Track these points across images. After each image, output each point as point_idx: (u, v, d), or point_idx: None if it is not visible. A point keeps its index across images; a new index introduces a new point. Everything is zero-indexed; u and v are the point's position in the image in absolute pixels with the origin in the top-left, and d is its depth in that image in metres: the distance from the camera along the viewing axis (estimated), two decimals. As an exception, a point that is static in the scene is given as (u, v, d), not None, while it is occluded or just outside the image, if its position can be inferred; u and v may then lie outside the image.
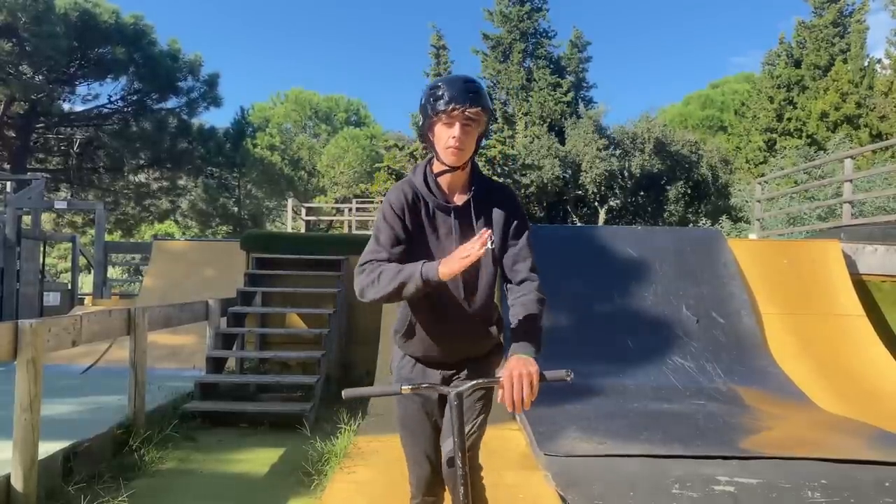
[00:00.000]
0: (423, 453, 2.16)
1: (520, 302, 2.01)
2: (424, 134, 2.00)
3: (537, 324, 1.97)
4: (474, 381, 1.93)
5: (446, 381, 2.10)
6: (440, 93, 1.90)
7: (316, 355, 6.24)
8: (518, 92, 26.93)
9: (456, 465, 1.89)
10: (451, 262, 1.79)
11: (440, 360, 2.13)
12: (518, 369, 1.79)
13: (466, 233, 1.98)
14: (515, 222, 2.07)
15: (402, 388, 1.87)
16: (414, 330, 2.10)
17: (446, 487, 2.18)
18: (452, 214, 2.01)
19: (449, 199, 2.03)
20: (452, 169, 1.98)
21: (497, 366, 2.20)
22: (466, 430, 1.95)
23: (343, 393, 1.88)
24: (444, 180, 2.02)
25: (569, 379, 1.83)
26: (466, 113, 1.88)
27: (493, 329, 2.14)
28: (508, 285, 2.07)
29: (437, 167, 2.02)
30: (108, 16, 20.43)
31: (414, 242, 2.00)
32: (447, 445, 2.12)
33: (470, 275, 1.99)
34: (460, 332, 2.07)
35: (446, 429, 2.13)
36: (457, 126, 1.90)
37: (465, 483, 1.88)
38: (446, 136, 1.91)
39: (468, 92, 1.89)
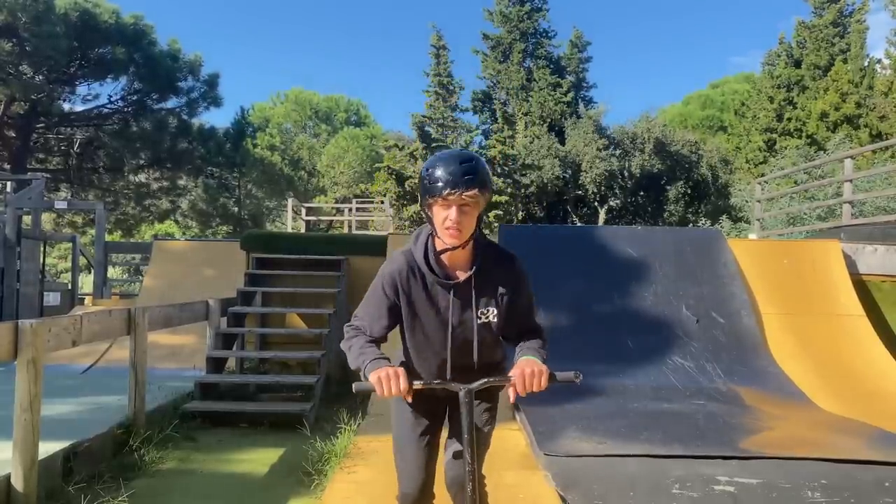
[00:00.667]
0: (413, 470, 2.16)
1: (526, 346, 2.05)
2: (423, 210, 1.97)
3: (543, 351, 2.02)
4: (485, 379, 1.95)
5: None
6: (437, 175, 1.85)
7: (316, 355, 6.24)
8: (518, 92, 26.92)
9: (465, 462, 1.90)
10: (377, 372, 1.82)
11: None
12: (529, 367, 1.87)
13: (466, 309, 2.00)
14: (520, 296, 2.05)
15: (414, 384, 1.88)
16: (413, 370, 2.11)
17: (450, 495, 2.18)
18: (452, 292, 1.99)
19: (450, 275, 2.00)
20: (454, 247, 1.94)
21: (502, 368, 2.21)
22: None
23: (353, 386, 1.90)
24: (445, 256, 1.99)
25: (577, 381, 1.88)
26: (463, 197, 1.83)
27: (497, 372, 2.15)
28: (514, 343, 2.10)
29: (439, 244, 1.97)
30: (108, 16, 20.44)
31: (413, 312, 2.02)
32: (450, 453, 2.13)
33: (470, 342, 2.03)
34: (462, 379, 2.06)
35: (452, 430, 2.15)
36: (454, 209, 1.85)
37: (472, 479, 1.89)
38: (443, 218, 1.88)
39: (464, 175, 1.83)
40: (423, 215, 1.97)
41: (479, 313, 2.00)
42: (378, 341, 2.02)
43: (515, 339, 2.07)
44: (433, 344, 2.05)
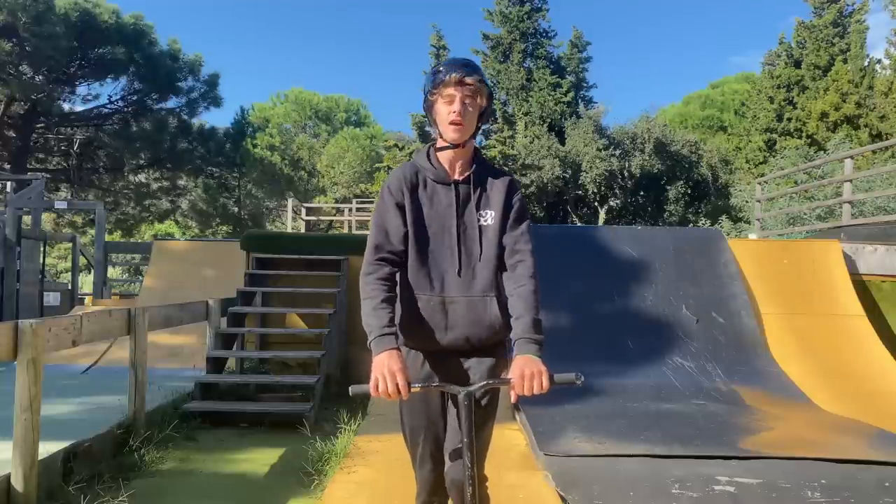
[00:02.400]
0: (428, 454, 2.14)
1: (517, 294, 2.02)
2: (428, 116, 2.10)
3: (536, 315, 1.98)
4: (485, 381, 1.94)
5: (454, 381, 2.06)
6: (440, 68, 2.02)
7: (316, 355, 6.24)
8: (518, 92, 26.92)
9: (464, 465, 1.88)
10: (375, 368, 1.83)
11: (443, 345, 2.07)
12: (529, 367, 1.85)
13: (465, 205, 2.07)
14: (516, 205, 2.11)
15: (413, 386, 1.86)
16: (415, 311, 2.06)
17: (450, 496, 2.17)
18: (452, 186, 2.07)
19: (450, 175, 2.09)
20: (454, 146, 2.04)
21: (503, 368, 2.18)
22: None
23: (350, 389, 1.87)
24: (445, 157, 2.08)
25: (578, 383, 1.86)
26: (465, 80, 1.96)
27: (495, 312, 2.07)
28: (505, 273, 2.08)
29: (439, 143, 2.09)
30: (108, 16, 20.44)
31: (417, 214, 2.06)
32: (451, 447, 2.11)
33: (470, 245, 2.05)
34: (456, 306, 2.04)
35: (451, 431, 2.12)
36: (457, 100, 1.98)
37: (472, 483, 1.87)
38: (446, 112, 1.99)
39: (465, 65, 2.00)
40: (428, 120, 2.11)
41: (478, 215, 2.06)
42: (398, 258, 2.03)
43: (508, 259, 2.06)
44: (435, 251, 2.04)
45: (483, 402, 2.08)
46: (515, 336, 1.96)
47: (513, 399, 1.92)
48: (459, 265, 2.04)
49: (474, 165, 2.10)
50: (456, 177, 2.09)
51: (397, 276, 2.05)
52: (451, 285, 2.04)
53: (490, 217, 2.07)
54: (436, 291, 2.04)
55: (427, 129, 22.15)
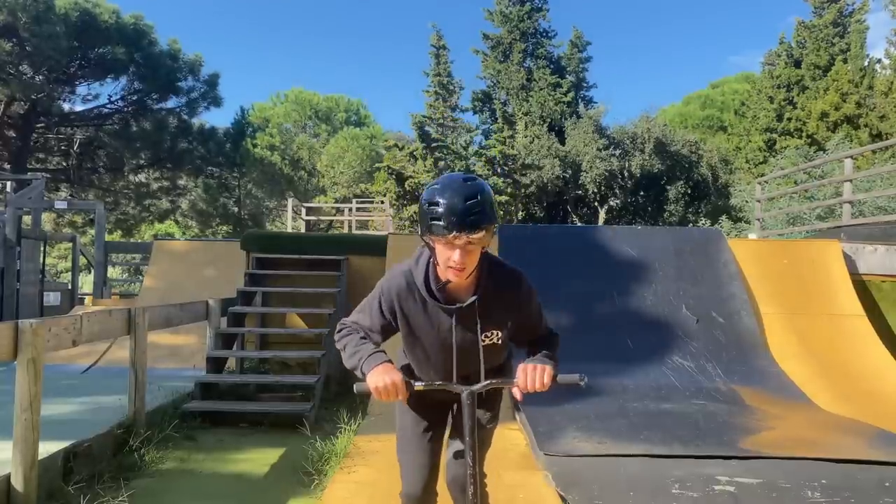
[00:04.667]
0: (416, 470, 2.15)
1: (536, 341, 2.05)
2: (423, 238, 1.84)
3: (552, 352, 2.00)
4: (489, 381, 1.95)
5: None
6: (439, 212, 1.71)
7: (316, 355, 6.24)
8: (518, 92, 26.91)
9: (466, 464, 1.89)
10: (374, 378, 1.80)
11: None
12: (533, 363, 1.88)
13: (469, 332, 1.95)
14: (526, 314, 2.02)
15: (416, 385, 1.88)
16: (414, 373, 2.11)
17: (450, 495, 2.18)
18: (454, 317, 1.93)
19: (452, 300, 1.92)
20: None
21: (508, 370, 2.21)
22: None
23: (354, 386, 1.88)
24: (448, 285, 1.92)
25: (582, 384, 1.87)
26: (469, 238, 1.72)
27: (503, 370, 2.14)
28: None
29: (441, 273, 1.87)
30: (108, 16, 20.43)
31: (412, 332, 1.99)
32: (451, 453, 2.12)
33: (474, 361, 1.98)
34: (465, 383, 2.03)
35: (455, 430, 2.15)
36: (457, 252, 1.75)
37: (474, 482, 1.88)
38: (446, 257, 1.78)
39: (469, 214, 1.69)
40: (424, 243, 1.86)
41: (483, 336, 1.95)
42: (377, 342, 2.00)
43: (527, 346, 2.06)
44: (434, 362, 2.03)
45: (485, 402, 2.10)
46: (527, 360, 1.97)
47: (518, 397, 1.91)
48: (465, 373, 2.00)
49: (480, 285, 1.91)
50: (460, 300, 1.92)
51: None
52: (456, 380, 2.02)
53: (496, 337, 1.97)
54: (440, 382, 2.03)
55: (427, 128, 22.16)
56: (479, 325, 1.93)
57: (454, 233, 1.69)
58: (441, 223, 1.70)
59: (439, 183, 1.79)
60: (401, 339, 2.10)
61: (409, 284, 1.94)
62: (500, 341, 1.98)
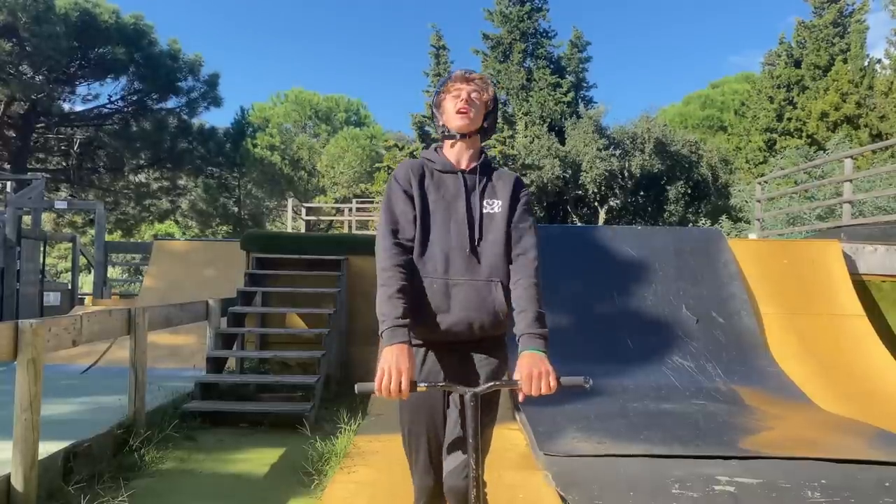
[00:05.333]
0: (428, 460, 2.12)
1: (520, 286, 2.03)
2: (436, 116, 2.18)
3: (539, 309, 1.99)
4: (492, 382, 1.93)
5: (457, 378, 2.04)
6: (447, 78, 2.17)
7: (316, 355, 6.24)
8: (518, 92, 26.90)
9: (469, 466, 1.87)
10: (383, 361, 1.83)
11: (445, 330, 2.02)
12: (536, 367, 1.85)
13: (471, 193, 2.11)
14: (522, 199, 2.16)
15: (419, 385, 1.85)
16: (418, 295, 2.02)
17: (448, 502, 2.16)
18: (459, 175, 2.12)
19: (456, 166, 2.15)
20: (462, 136, 2.11)
21: (506, 370, 2.17)
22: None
23: (356, 386, 1.86)
24: (452, 152, 2.15)
25: (587, 386, 1.85)
26: (471, 76, 2.12)
27: (500, 302, 2.05)
28: (509, 263, 2.09)
29: (447, 142, 2.17)
30: (108, 16, 20.43)
31: (423, 200, 2.09)
32: (449, 464, 2.07)
33: (477, 232, 2.06)
34: (460, 289, 2.01)
35: (450, 431, 2.11)
36: (464, 92, 2.09)
37: (477, 485, 1.86)
38: (454, 104, 2.10)
39: (470, 71, 2.17)
40: (434, 122, 2.20)
41: (484, 203, 2.10)
42: (410, 245, 2.04)
43: (513, 250, 2.08)
44: (441, 236, 2.05)
45: (486, 404, 2.08)
46: (519, 332, 1.96)
47: (521, 399, 1.90)
48: (464, 248, 2.04)
49: (482, 157, 2.18)
50: (463, 167, 2.14)
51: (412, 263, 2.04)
52: (456, 268, 2.03)
53: (497, 206, 2.11)
54: (439, 274, 2.02)
55: (427, 128, 22.15)
56: (479, 188, 2.11)
57: (460, 73, 2.14)
58: (449, 80, 2.15)
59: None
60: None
61: (419, 161, 2.18)
62: (499, 210, 2.10)
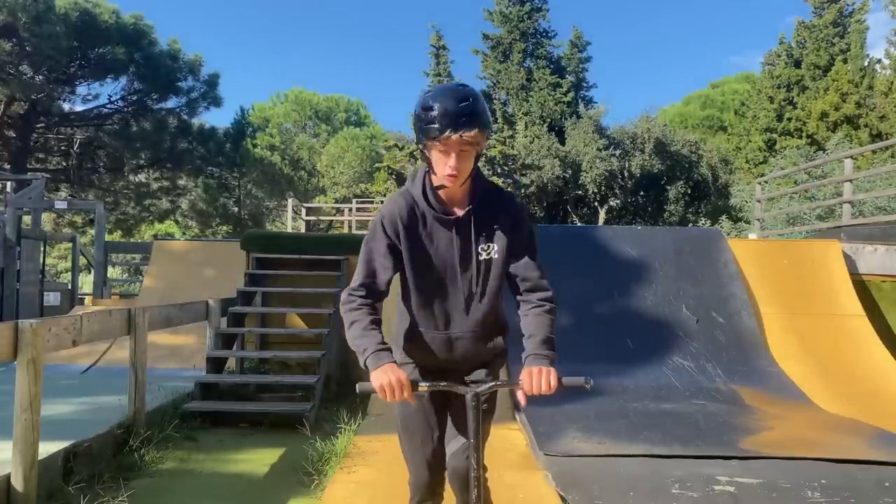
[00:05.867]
0: (423, 458, 2.15)
1: (533, 313, 2.01)
2: (419, 148, 1.94)
3: (549, 334, 1.98)
4: (494, 382, 1.94)
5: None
6: (433, 115, 1.79)
7: (316, 355, 6.24)
8: (518, 92, 26.91)
9: (470, 467, 1.88)
10: (379, 376, 1.79)
11: (441, 367, 2.09)
12: (538, 367, 1.87)
13: (466, 245, 1.97)
14: (519, 232, 2.02)
15: (421, 385, 1.86)
16: (413, 336, 2.08)
17: (451, 487, 2.18)
18: (453, 228, 1.97)
19: (449, 211, 1.97)
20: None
21: (500, 368, 2.20)
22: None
23: (357, 386, 1.87)
24: (444, 192, 1.96)
25: (588, 387, 1.86)
26: (463, 138, 1.79)
27: (499, 339, 2.12)
28: (518, 296, 2.06)
29: (436, 180, 1.94)
30: (108, 16, 20.44)
31: (413, 252, 1.98)
32: (452, 447, 2.12)
33: (473, 282, 2.00)
34: (462, 341, 2.05)
35: (451, 430, 2.14)
36: (453, 156, 1.82)
37: (478, 485, 1.88)
38: (443, 164, 1.84)
39: (461, 115, 1.77)
40: (419, 154, 1.95)
41: (479, 248, 1.97)
42: (381, 297, 1.99)
43: (521, 285, 2.03)
44: (434, 286, 2.01)
45: (484, 403, 2.09)
46: (525, 354, 1.95)
47: (521, 400, 1.90)
48: (464, 303, 2.01)
49: (475, 195, 1.98)
50: (456, 211, 1.97)
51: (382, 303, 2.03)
52: (457, 322, 2.03)
53: (493, 251, 1.99)
54: (441, 329, 2.04)
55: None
56: (473, 234, 1.96)
57: (448, 131, 1.76)
58: (436, 126, 1.77)
59: (432, 91, 1.86)
60: (395, 310, 2.09)
61: (408, 202, 1.98)
62: (496, 255, 1.98)
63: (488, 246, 1.98)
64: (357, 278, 2.00)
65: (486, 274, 2.00)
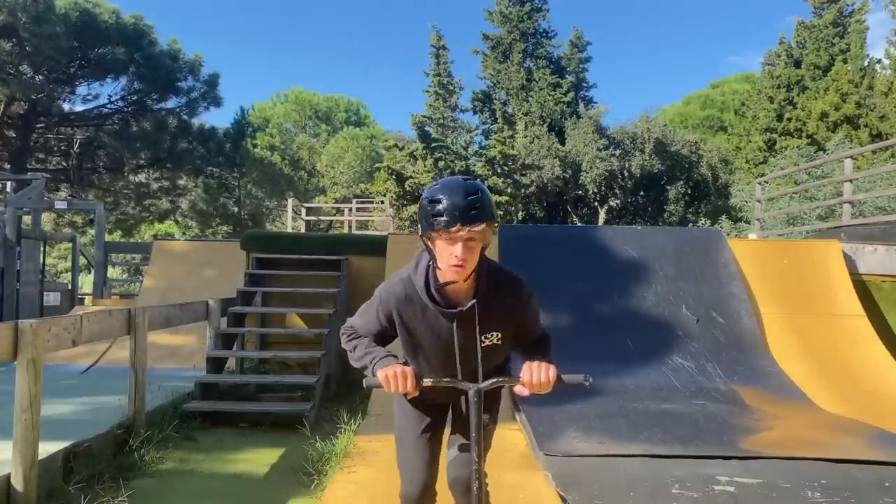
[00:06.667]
0: (415, 470, 2.16)
1: (533, 350, 2.06)
2: (423, 240, 1.86)
3: (549, 357, 2.01)
4: (495, 379, 1.97)
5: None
6: (440, 208, 1.75)
7: (316, 355, 6.24)
8: (518, 92, 26.89)
9: (472, 460, 1.92)
10: (385, 370, 1.84)
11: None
12: (538, 360, 1.91)
13: (469, 336, 1.96)
14: (524, 317, 2.03)
15: (425, 381, 1.91)
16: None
17: (451, 494, 2.19)
18: (455, 322, 1.94)
19: (452, 304, 1.93)
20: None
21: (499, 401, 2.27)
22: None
23: (364, 381, 1.94)
24: (447, 287, 1.91)
25: (587, 384, 1.89)
26: (471, 232, 1.76)
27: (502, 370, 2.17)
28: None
29: (441, 276, 1.88)
30: (108, 16, 20.43)
31: (411, 338, 2.02)
32: (452, 453, 2.14)
33: (474, 362, 2.01)
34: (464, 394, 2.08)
35: (457, 428, 2.16)
36: (459, 245, 1.77)
37: (479, 478, 1.91)
38: (448, 254, 1.79)
39: (470, 209, 1.74)
40: (424, 245, 1.87)
41: (483, 338, 1.96)
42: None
43: (522, 350, 2.09)
44: (434, 366, 2.05)
45: (485, 404, 2.11)
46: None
47: (524, 393, 1.91)
48: (461, 375, 2.03)
49: (479, 286, 1.92)
50: (459, 303, 1.93)
51: None
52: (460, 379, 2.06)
53: (496, 337, 1.98)
54: (447, 378, 2.06)
55: (427, 128, 22.15)
56: (478, 329, 1.94)
57: (457, 226, 1.73)
58: (443, 218, 1.74)
59: (440, 183, 1.84)
60: (399, 345, 2.12)
61: (407, 292, 1.95)
62: (500, 342, 2.00)
63: (492, 335, 1.98)
64: (358, 322, 2.07)
65: (489, 356, 2.02)
